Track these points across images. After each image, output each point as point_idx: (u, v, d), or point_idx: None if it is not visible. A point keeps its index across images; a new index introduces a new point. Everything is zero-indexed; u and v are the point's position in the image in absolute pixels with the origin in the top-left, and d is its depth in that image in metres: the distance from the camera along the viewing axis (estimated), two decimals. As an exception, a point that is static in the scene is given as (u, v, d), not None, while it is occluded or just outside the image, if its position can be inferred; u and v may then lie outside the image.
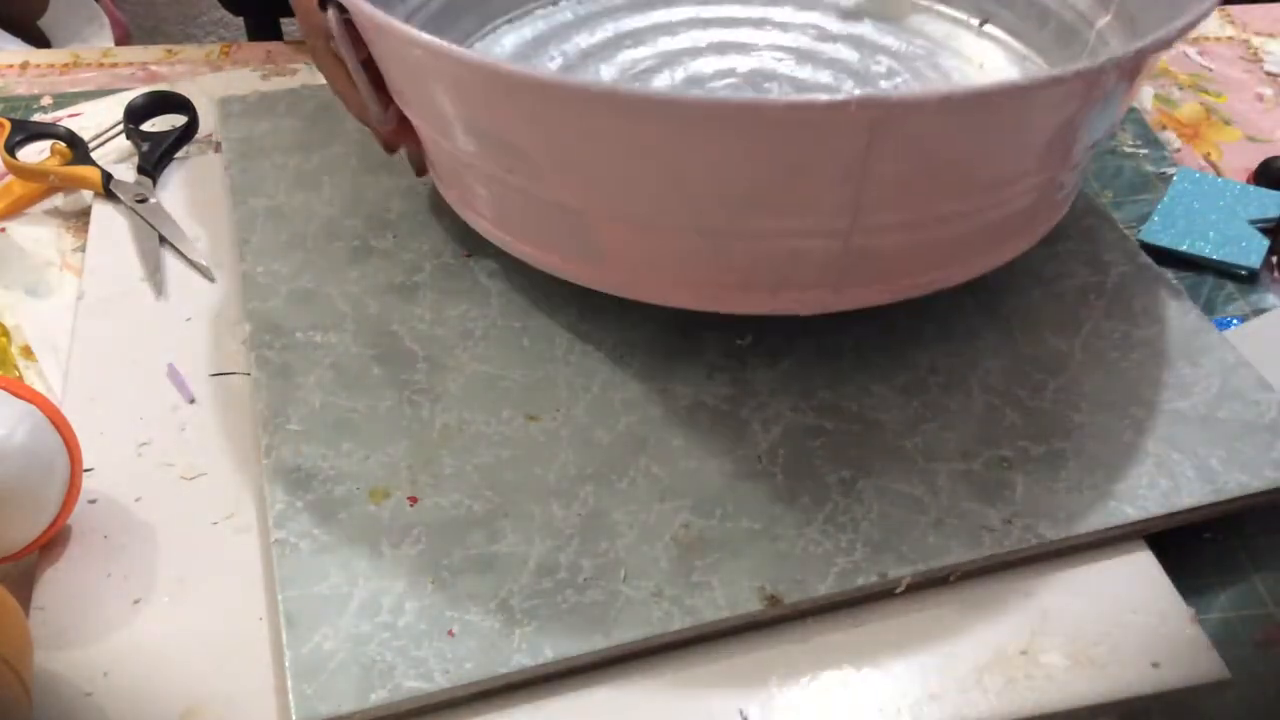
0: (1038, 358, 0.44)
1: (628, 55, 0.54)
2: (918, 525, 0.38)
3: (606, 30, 0.56)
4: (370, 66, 0.42)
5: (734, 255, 0.38)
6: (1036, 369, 0.43)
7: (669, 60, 0.54)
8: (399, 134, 0.45)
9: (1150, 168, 0.58)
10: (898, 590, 0.37)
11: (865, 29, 0.56)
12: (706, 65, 0.54)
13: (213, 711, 0.34)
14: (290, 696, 0.33)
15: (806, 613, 0.36)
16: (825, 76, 0.52)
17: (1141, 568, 0.38)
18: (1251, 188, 0.55)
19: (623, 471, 0.39)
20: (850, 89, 0.51)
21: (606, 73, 0.53)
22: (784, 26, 0.57)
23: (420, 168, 0.47)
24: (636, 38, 0.56)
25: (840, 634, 0.36)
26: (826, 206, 0.36)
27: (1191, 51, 0.69)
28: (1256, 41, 0.70)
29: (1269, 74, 0.67)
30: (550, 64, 0.53)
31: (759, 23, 0.57)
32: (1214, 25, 0.72)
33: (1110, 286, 0.47)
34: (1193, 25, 0.36)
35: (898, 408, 0.42)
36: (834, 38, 0.56)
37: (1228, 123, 0.63)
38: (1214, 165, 0.60)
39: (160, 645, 0.36)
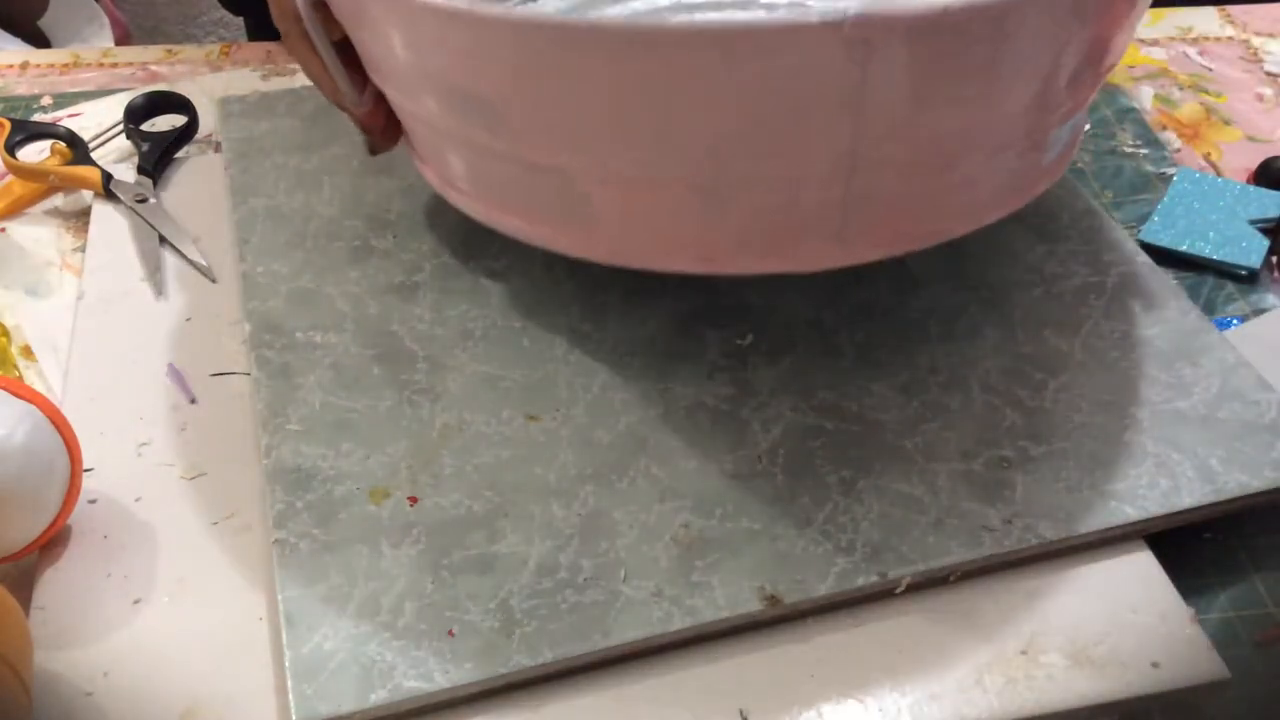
0: (1038, 357, 0.44)
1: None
2: (918, 525, 0.38)
3: None
4: (346, 48, 0.41)
5: (729, 209, 0.37)
6: (1037, 369, 0.43)
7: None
8: (375, 115, 0.44)
9: (1150, 168, 0.58)
10: (898, 590, 0.37)
11: None
12: None
13: (213, 711, 0.34)
14: (290, 696, 0.33)
15: (806, 613, 0.36)
16: None
17: (1141, 568, 0.38)
18: (1251, 188, 0.55)
19: (623, 471, 0.39)
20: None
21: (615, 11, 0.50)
22: None
23: (372, 147, 0.46)
24: None
25: (840, 634, 0.36)
26: (824, 143, 0.35)
27: (1191, 52, 0.69)
28: (1257, 41, 0.70)
29: (1269, 74, 0.67)
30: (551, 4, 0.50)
31: None
32: (1214, 25, 0.72)
33: (1110, 286, 0.47)
34: None
35: (898, 408, 0.42)
36: None
37: (1228, 123, 0.63)
38: (1214, 165, 0.60)
39: (160, 645, 0.36)
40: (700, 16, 0.46)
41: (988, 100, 0.37)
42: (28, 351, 0.47)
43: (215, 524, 0.39)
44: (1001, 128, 0.38)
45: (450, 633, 0.34)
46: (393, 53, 0.38)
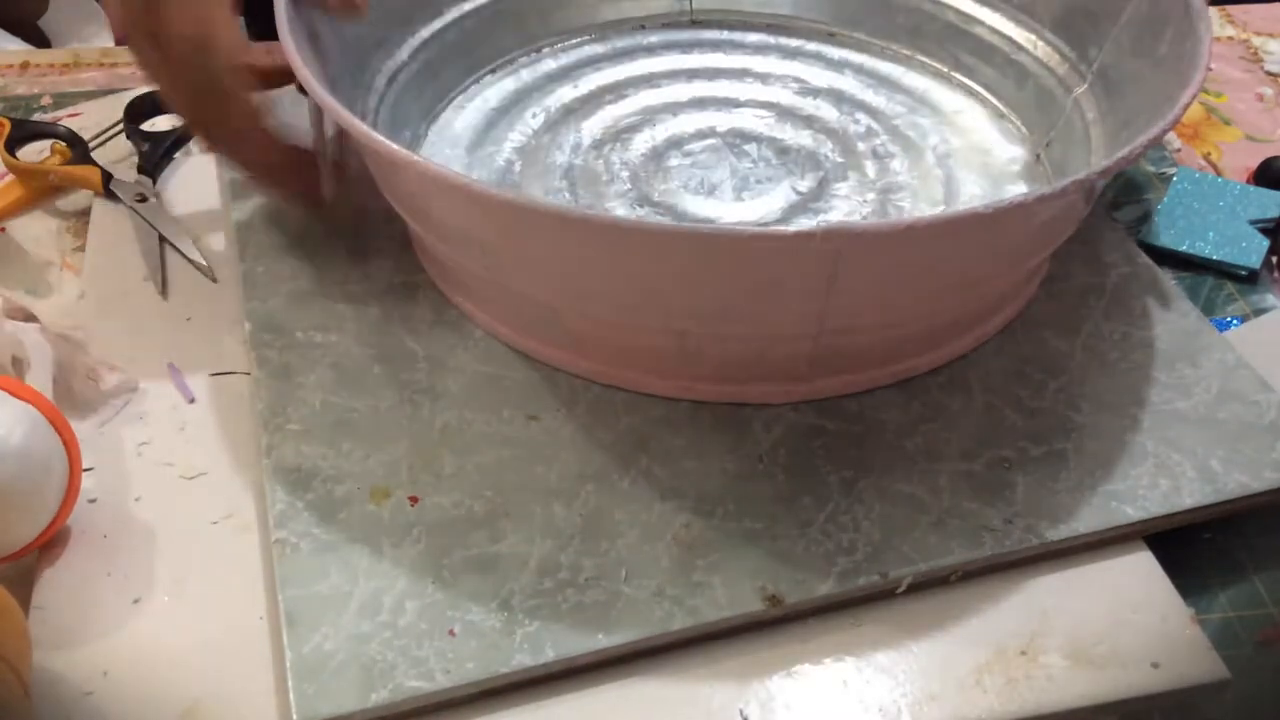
0: (1038, 358, 0.44)
1: (610, 111, 0.54)
2: (919, 525, 0.38)
3: (590, 83, 0.56)
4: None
5: (704, 354, 0.40)
6: (1037, 369, 0.43)
7: (649, 117, 0.54)
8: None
9: (1150, 168, 0.58)
10: (898, 590, 0.37)
11: (847, 82, 0.56)
12: (687, 123, 0.54)
13: (213, 711, 0.34)
14: (291, 696, 0.33)
15: (807, 613, 0.36)
16: (805, 138, 0.53)
17: (1142, 568, 0.38)
18: (1251, 188, 0.55)
19: (624, 471, 0.39)
20: (830, 151, 0.52)
21: (588, 131, 0.53)
22: (765, 78, 0.57)
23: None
24: (618, 91, 0.56)
25: (841, 634, 0.36)
26: (794, 318, 0.38)
27: (1191, 52, 0.69)
28: (1257, 41, 0.70)
29: (1269, 74, 0.67)
30: (533, 120, 0.54)
31: (740, 74, 0.57)
32: (1214, 25, 0.72)
33: (1110, 287, 0.47)
34: (1150, 144, 0.38)
35: (898, 408, 0.42)
36: (815, 92, 0.56)
37: (1228, 122, 0.63)
38: (1214, 165, 0.60)
39: (160, 645, 0.36)
40: (700, 154, 0.51)
41: (953, 283, 0.40)
42: (27, 351, 0.47)
43: (215, 524, 0.39)
44: (967, 295, 0.42)
45: (451, 632, 0.34)
46: (389, 187, 0.42)
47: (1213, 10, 0.73)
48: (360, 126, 0.37)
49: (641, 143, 0.53)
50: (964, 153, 0.52)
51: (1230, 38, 0.71)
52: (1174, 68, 0.42)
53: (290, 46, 0.41)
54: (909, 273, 0.38)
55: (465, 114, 0.54)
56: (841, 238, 0.33)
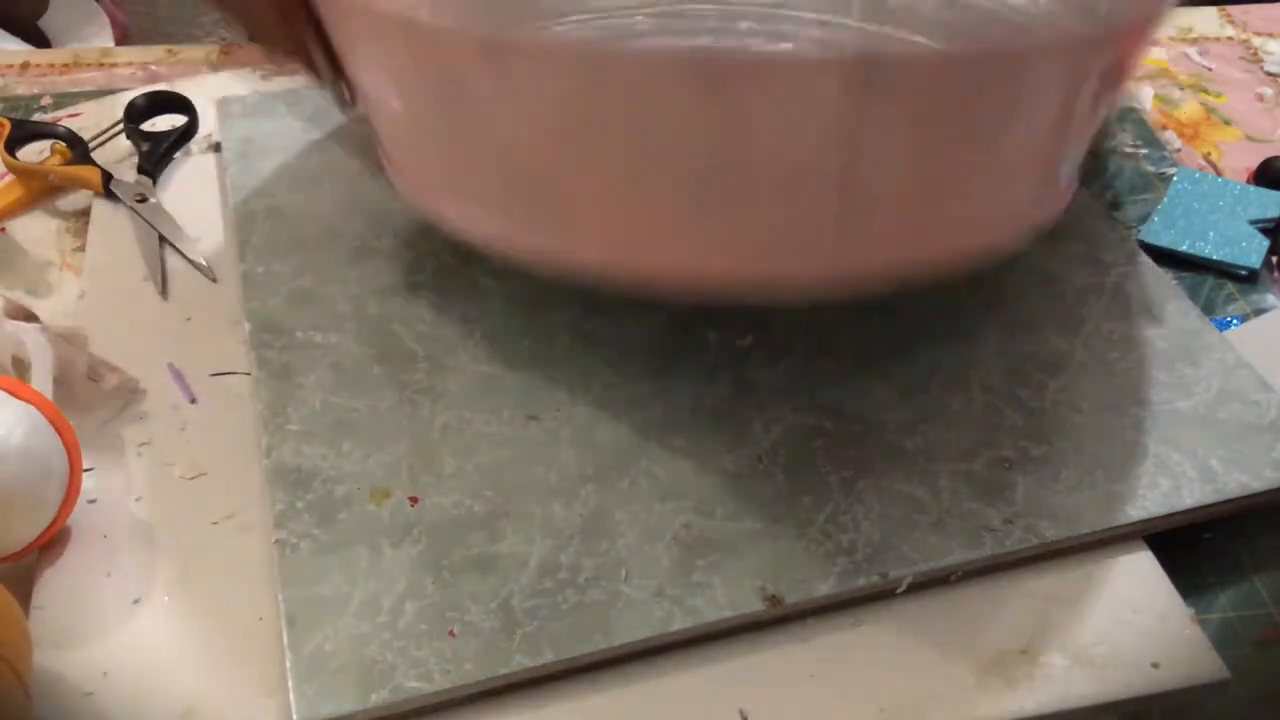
0: (1038, 357, 0.44)
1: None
2: (919, 525, 0.38)
3: None
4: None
5: (719, 214, 0.35)
6: (1037, 369, 0.43)
7: None
8: None
9: (1150, 168, 0.58)
10: (899, 590, 0.37)
11: None
12: None
13: (213, 711, 0.34)
14: (291, 696, 0.33)
15: (807, 613, 0.36)
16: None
17: (1142, 568, 0.38)
18: (1251, 188, 0.55)
19: (624, 471, 0.39)
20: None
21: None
22: None
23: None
24: None
25: (840, 634, 0.36)
26: (817, 163, 0.33)
27: (1191, 51, 0.69)
28: (1256, 41, 0.70)
29: (1269, 74, 0.67)
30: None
31: None
32: (1214, 25, 0.72)
33: (1110, 286, 0.47)
34: None
35: (898, 408, 0.42)
36: None
37: (1228, 122, 0.63)
38: (1214, 165, 0.60)
39: (160, 645, 0.36)
40: (684, 42, 0.44)
41: (993, 141, 0.36)
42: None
43: (215, 524, 0.39)
44: (1008, 165, 0.38)
45: (451, 633, 0.34)
46: (361, 53, 0.37)
47: (1212, 10, 0.73)
48: None
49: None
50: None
51: (1230, 38, 0.71)
52: None
53: None
54: (946, 124, 0.33)
55: None
56: (872, 64, 0.29)
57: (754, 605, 0.35)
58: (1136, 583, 0.38)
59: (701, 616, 0.35)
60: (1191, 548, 0.40)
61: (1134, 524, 0.38)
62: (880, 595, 0.37)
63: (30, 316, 0.43)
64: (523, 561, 0.36)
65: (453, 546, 0.37)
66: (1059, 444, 0.41)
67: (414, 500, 0.38)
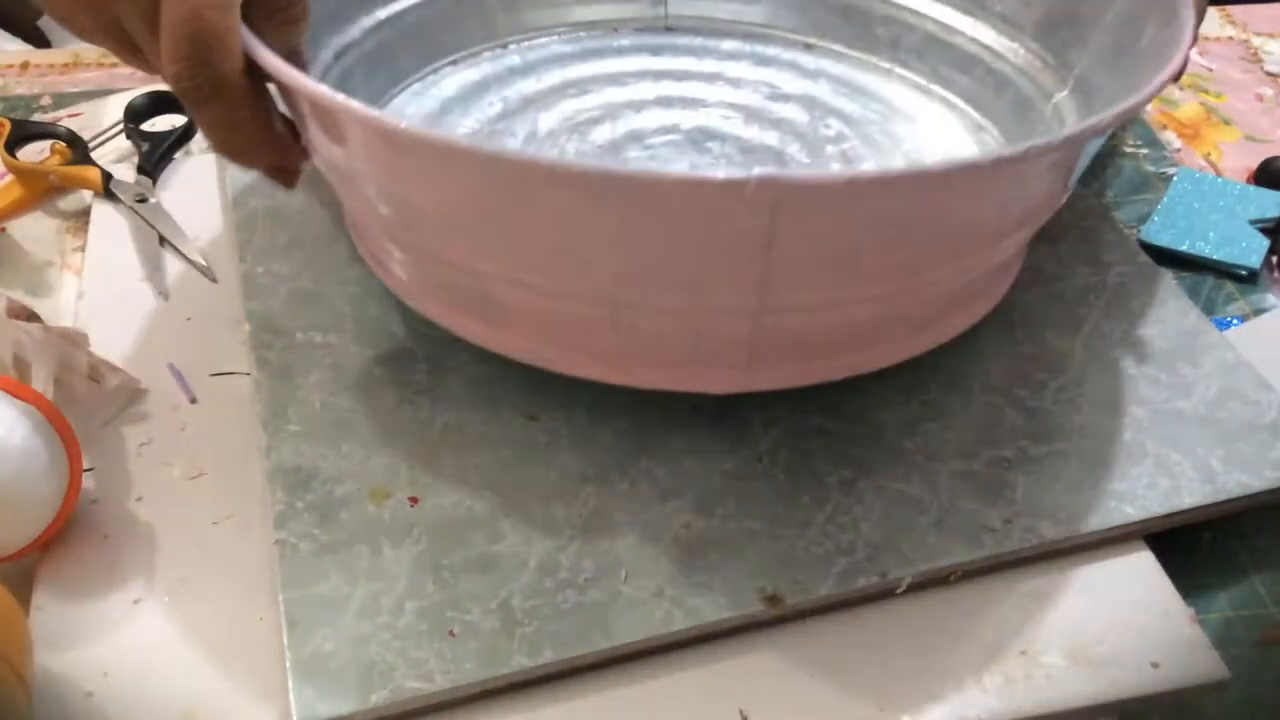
0: (1038, 357, 0.44)
1: (570, 105, 0.53)
2: (918, 525, 0.38)
3: (553, 77, 0.55)
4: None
5: (637, 330, 0.37)
6: (1037, 369, 0.44)
7: (612, 112, 0.53)
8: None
9: (1150, 167, 0.58)
10: (898, 590, 0.37)
11: (821, 89, 0.55)
12: (650, 119, 0.52)
13: (213, 711, 0.34)
14: (291, 697, 0.33)
15: (807, 613, 0.36)
16: (771, 138, 0.51)
17: (1142, 568, 0.38)
18: (1251, 188, 0.55)
19: (623, 471, 0.39)
20: (796, 151, 0.50)
21: (545, 121, 0.52)
22: (736, 83, 0.56)
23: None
24: (582, 86, 0.54)
25: (841, 634, 0.36)
26: (728, 285, 0.35)
27: (1191, 51, 0.69)
28: (1256, 41, 0.70)
29: (1269, 74, 0.67)
30: (490, 109, 0.52)
31: (711, 78, 0.56)
32: (1214, 26, 0.72)
33: (1110, 286, 0.47)
34: (1123, 116, 0.34)
35: (898, 407, 0.42)
36: (786, 98, 0.55)
37: (1228, 122, 0.63)
38: (1214, 165, 0.60)
39: (160, 645, 0.36)
40: (660, 148, 0.47)
41: (905, 258, 0.36)
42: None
43: (215, 524, 0.39)
44: (921, 279, 0.38)
45: (451, 633, 0.34)
46: (316, 137, 0.38)
47: (1213, 10, 0.73)
48: (278, 63, 0.33)
49: (600, 135, 0.51)
50: (937, 160, 0.50)
51: (1230, 38, 0.71)
52: (1156, 56, 0.40)
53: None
54: (855, 238, 0.34)
55: (419, 100, 0.52)
56: (778, 187, 0.29)
57: (754, 605, 0.35)
58: (1136, 582, 0.38)
59: (701, 617, 0.35)
60: (1192, 547, 0.40)
61: (1134, 524, 0.38)
62: (880, 595, 0.37)
63: (32, 316, 0.43)
64: (523, 562, 0.36)
65: (453, 547, 0.37)
66: (1059, 444, 0.41)
67: (414, 500, 0.38)
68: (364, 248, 0.45)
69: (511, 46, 0.57)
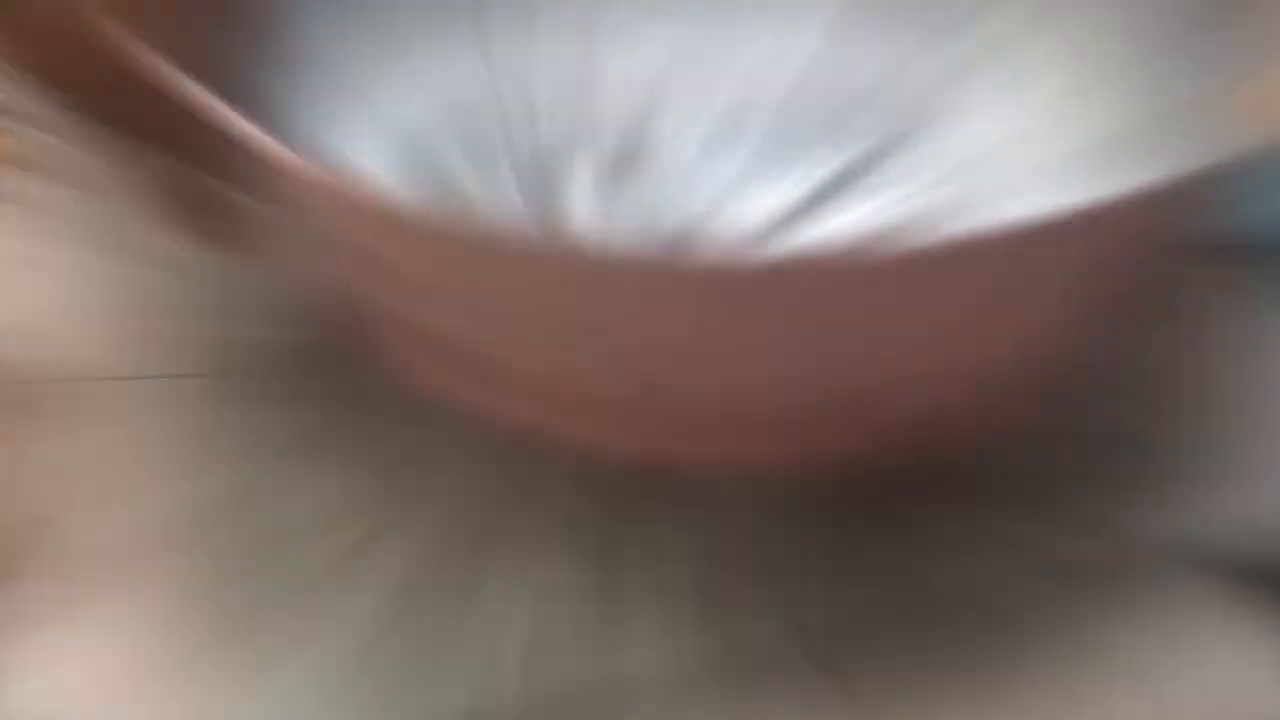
0: (1157, 365, 0.39)
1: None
2: (1008, 573, 0.32)
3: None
4: None
5: (670, 403, 0.32)
6: (1156, 379, 0.39)
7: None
8: None
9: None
10: (982, 656, 0.31)
11: None
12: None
13: None
14: None
15: (874, 685, 0.30)
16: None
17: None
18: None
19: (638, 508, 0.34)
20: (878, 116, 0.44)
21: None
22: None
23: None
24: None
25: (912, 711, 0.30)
26: (772, 360, 0.31)
27: None
28: None
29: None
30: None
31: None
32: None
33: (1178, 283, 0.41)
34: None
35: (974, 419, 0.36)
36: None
37: None
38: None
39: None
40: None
41: (955, 321, 0.31)
42: None
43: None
44: (974, 338, 0.33)
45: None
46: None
47: None
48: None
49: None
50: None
51: None
52: None
53: None
54: (905, 310, 0.30)
55: None
56: (816, 273, 0.27)
57: (804, 677, 0.30)
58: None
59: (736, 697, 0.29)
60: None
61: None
62: (958, 660, 0.31)
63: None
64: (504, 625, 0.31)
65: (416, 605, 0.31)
66: (1132, 462, 0.35)
67: (371, 543, 0.33)
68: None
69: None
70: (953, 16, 0.47)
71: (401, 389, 0.37)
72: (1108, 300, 0.40)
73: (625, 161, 0.45)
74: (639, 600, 0.31)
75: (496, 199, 0.43)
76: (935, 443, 0.35)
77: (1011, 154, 0.45)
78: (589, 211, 0.42)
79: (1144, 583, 0.32)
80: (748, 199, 0.43)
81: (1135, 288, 0.41)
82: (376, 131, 0.44)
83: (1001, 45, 0.47)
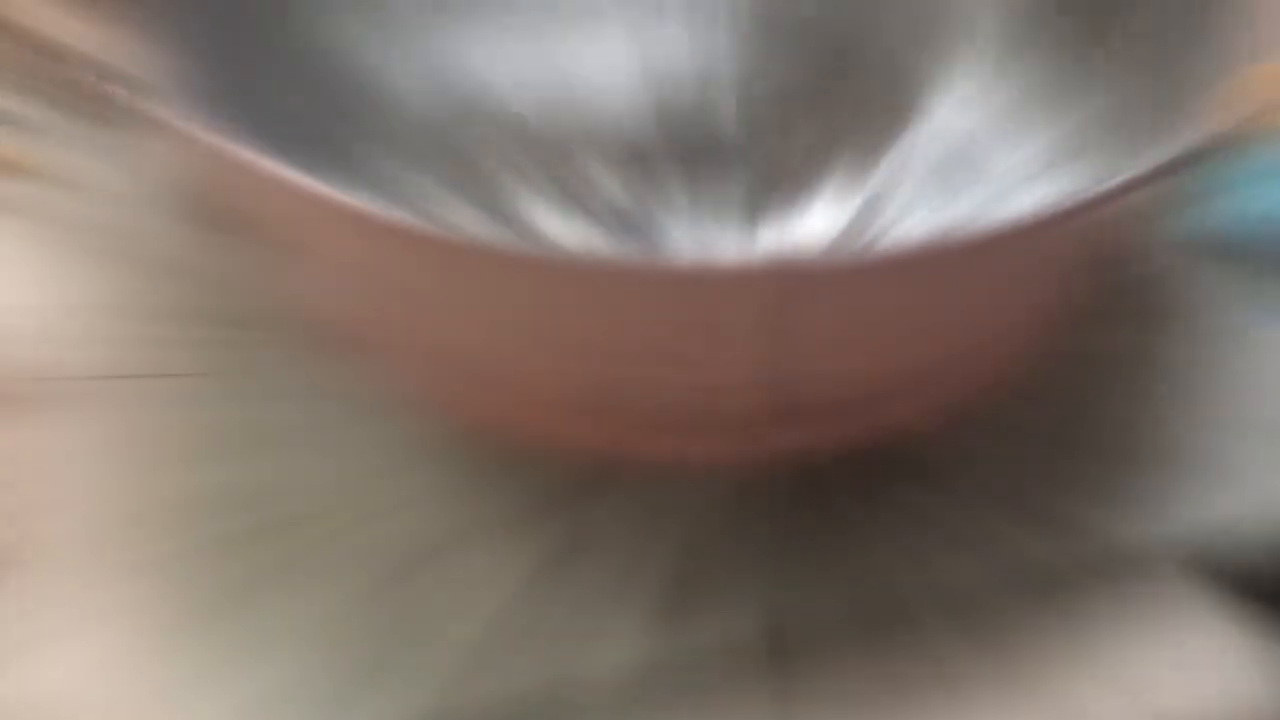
0: (1097, 359, 0.39)
1: None
2: (950, 557, 0.33)
3: None
4: None
5: (635, 401, 0.34)
6: (1095, 374, 0.39)
7: None
8: None
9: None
10: (927, 633, 0.32)
11: None
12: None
13: None
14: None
15: (819, 658, 0.31)
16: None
17: (1233, 618, 0.33)
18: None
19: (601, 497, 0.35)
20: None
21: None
22: None
23: None
24: None
25: (859, 682, 0.31)
26: (735, 363, 0.32)
27: None
28: None
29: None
30: None
31: None
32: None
33: (1165, 281, 0.43)
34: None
35: (925, 414, 0.37)
36: None
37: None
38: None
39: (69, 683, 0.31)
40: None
41: (936, 315, 0.32)
42: None
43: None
44: (958, 332, 0.34)
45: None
46: None
47: None
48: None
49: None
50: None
51: None
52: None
53: None
54: (871, 316, 0.32)
55: None
56: (788, 277, 0.28)
57: (756, 651, 0.31)
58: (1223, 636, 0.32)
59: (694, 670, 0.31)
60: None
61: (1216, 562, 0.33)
62: (906, 638, 0.32)
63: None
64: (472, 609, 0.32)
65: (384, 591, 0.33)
66: (1123, 462, 0.36)
67: (343, 533, 0.34)
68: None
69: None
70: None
71: (382, 387, 0.38)
72: (1086, 298, 0.41)
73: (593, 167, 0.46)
74: (604, 588, 0.33)
75: (463, 208, 0.44)
76: (902, 441, 0.36)
77: (988, 153, 0.46)
78: (559, 218, 0.44)
79: (1121, 583, 0.33)
80: (716, 205, 0.44)
81: (1114, 285, 0.42)
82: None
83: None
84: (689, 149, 0.46)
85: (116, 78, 0.33)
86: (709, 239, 0.43)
